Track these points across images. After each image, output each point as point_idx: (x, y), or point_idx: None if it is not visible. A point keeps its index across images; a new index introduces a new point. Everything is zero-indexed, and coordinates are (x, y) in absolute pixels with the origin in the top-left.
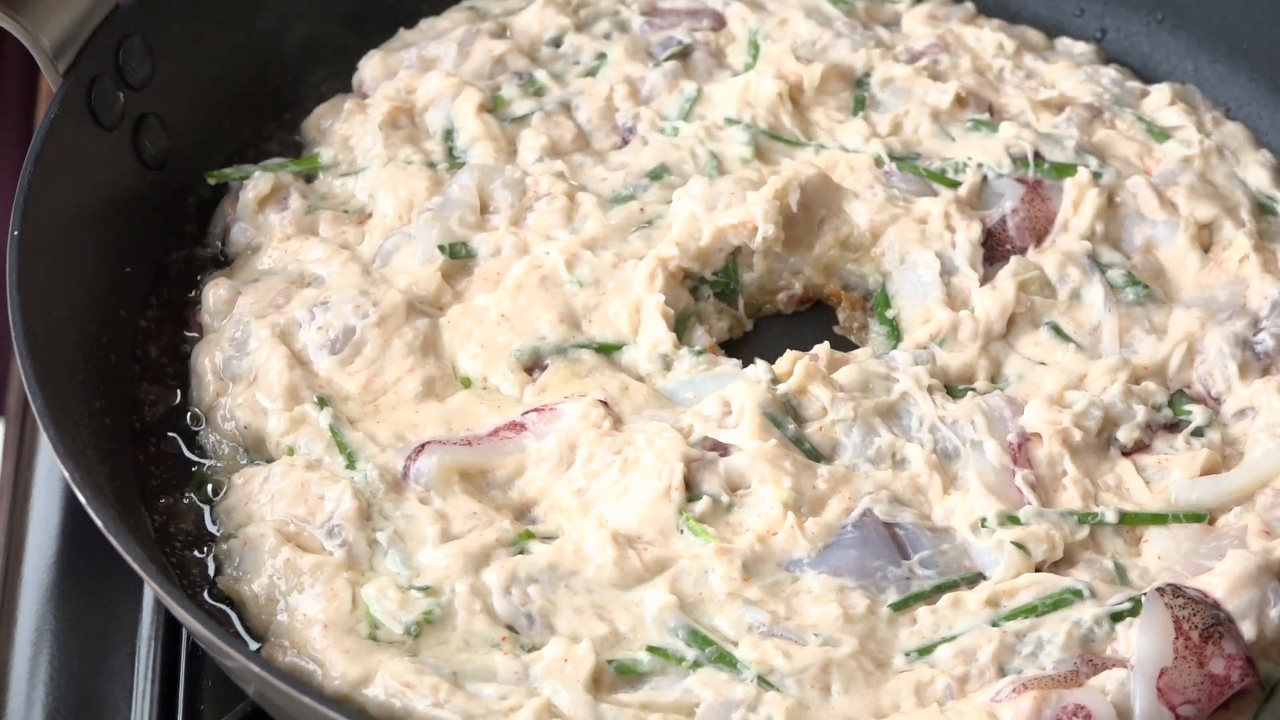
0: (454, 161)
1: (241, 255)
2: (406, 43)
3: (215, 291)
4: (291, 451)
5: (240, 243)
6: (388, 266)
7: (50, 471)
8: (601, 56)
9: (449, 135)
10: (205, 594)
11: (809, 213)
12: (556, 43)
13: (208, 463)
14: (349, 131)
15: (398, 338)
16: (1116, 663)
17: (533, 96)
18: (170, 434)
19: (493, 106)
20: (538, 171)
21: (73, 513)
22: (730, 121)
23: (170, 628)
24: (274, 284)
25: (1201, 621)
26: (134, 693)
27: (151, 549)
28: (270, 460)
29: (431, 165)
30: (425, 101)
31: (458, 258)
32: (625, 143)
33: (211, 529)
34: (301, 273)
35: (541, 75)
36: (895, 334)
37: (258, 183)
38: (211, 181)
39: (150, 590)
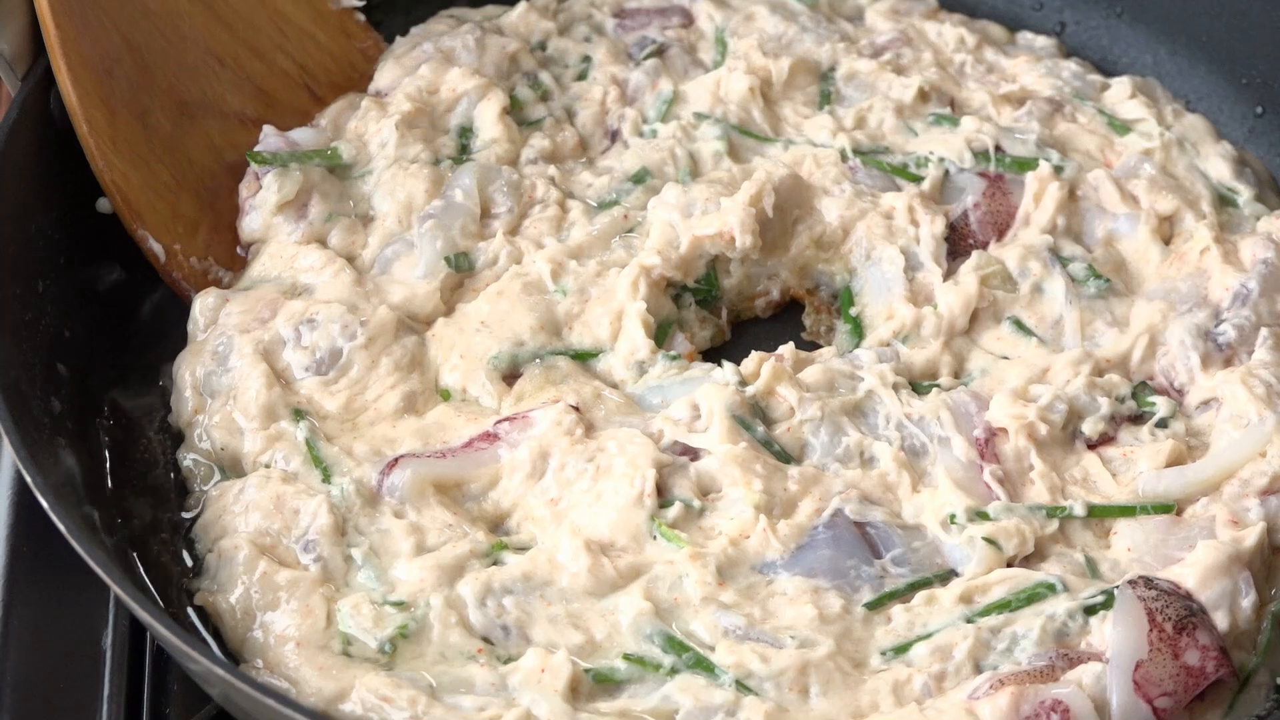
0: (459, 158)
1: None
2: (414, 42)
3: (204, 301)
4: (268, 466)
5: (249, 231)
6: (385, 274)
7: (4, 470)
8: (586, 59)
9: (464, 132)
10: (190, 609)
11: (783, 214)
12: (542, 46)
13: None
14: (364, 129)
15: (386, 355)
16: (1091, 656)
17: (541, 101)
18: (147, 440)
19: (510, 108)
20: (532, 174)
21: (32, 513)
22: (701, 117)
23: (135, 631)
24: (264, 293)
25: (1175, 613)
26: (100, 696)
27: (117, 556)
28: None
29: (435, 162)
30: (449, 100)
31: (461, 270)
32: (611, 145)
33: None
34: (294, 282)
35: (546, 77)
36: (858, 331)
37: (284, 185)
38: (252, 164)
39: (114, 594)
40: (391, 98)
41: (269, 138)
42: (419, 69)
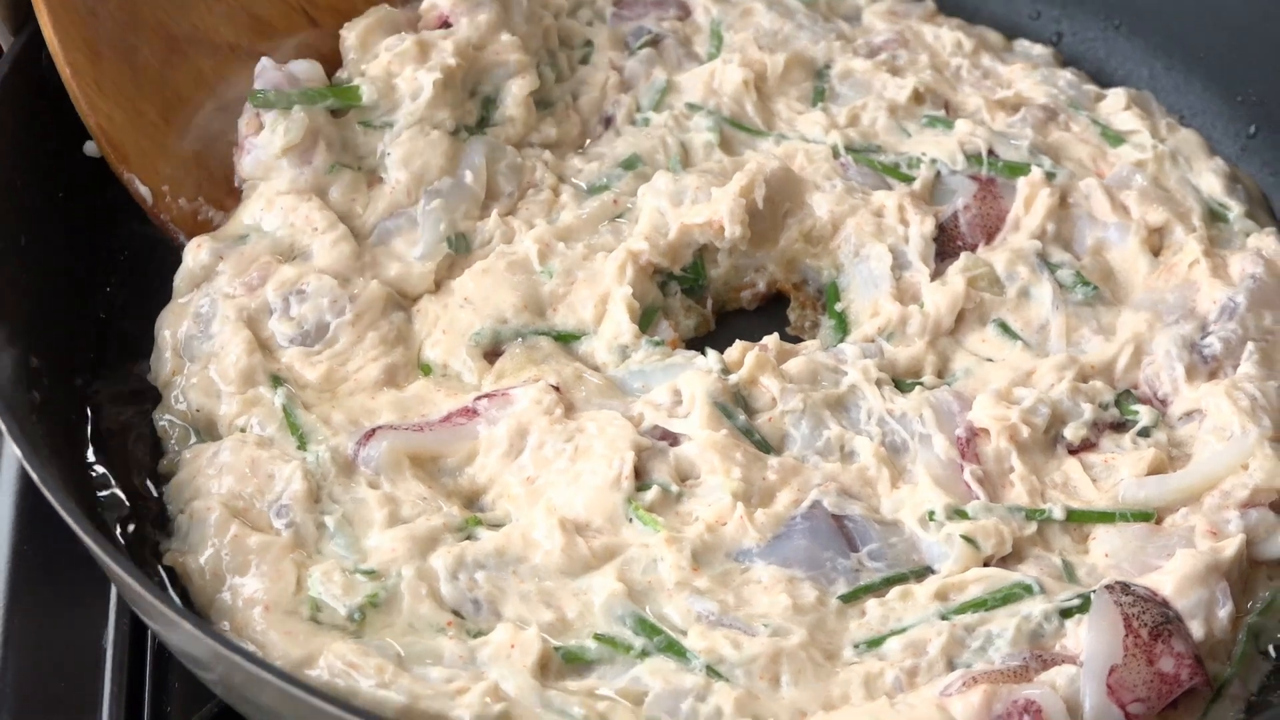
0: (474, 130)
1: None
2: None
3: (196, 255)
4: (243, 430)
5: (248, 170)
6: (383, 246)
7: (7, 470)
8: (588, 44)
9: (487, 103)
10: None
11: (773, 207)
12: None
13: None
14: (398, 70)
15: (372, 330)
16: (1066, 659)
17: (556, 83)
18: (123, 410)
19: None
20: (530, 157)
21: (35, 512)
22: (694, 107)
23: (136, 630)
24: (257, 251)
25: (1151, 619)
26: (101, 695)
27: (109, 532)
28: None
29: (455, 131)
30: (489, 65)
31: (459, 253)
32: (605, 131)
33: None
34: (292, 243)
35: (563, 58)
36: (843, 327)
37: (289, 129)
38: (253, 106)
39: (116, 590)
40: (437, 43)
41: (266, 71)
42: (478, 9)
